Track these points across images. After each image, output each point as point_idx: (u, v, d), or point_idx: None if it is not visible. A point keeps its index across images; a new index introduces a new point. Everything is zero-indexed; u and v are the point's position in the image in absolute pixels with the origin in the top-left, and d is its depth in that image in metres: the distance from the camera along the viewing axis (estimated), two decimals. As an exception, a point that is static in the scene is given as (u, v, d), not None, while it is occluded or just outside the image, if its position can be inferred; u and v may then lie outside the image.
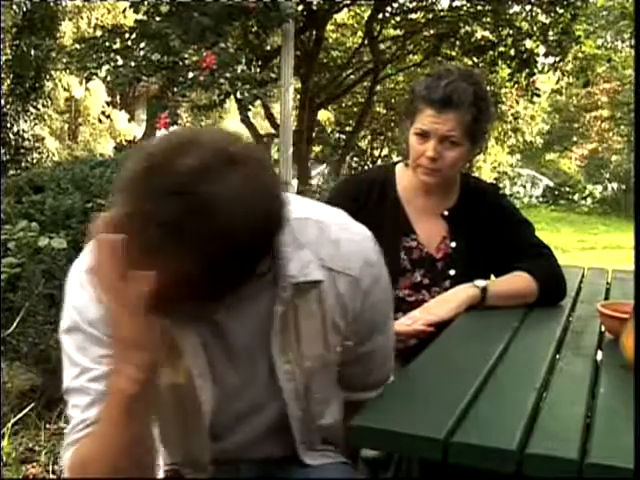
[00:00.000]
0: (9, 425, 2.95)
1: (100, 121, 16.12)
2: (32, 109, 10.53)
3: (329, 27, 11.76)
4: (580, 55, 11.48)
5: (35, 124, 10.64)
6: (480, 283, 2.10)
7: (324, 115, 15.21)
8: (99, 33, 8.47)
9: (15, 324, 3.01)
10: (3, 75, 10.52)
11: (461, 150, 2.13)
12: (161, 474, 1.43)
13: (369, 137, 16.71)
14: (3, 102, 10.38)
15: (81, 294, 1.21)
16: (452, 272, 2.21)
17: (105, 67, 7.31)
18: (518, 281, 2.16)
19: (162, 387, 1.25)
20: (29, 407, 3.09)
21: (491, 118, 2.22)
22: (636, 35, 2.24)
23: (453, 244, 2.24)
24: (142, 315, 1.05)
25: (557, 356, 1.73)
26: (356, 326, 1.36)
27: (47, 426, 3.04)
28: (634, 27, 2.55)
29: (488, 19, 10.15)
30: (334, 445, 1.51)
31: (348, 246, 1.32)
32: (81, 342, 1.21)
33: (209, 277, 1.03)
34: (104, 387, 1.17)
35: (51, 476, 2.65)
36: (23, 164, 10.06)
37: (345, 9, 11.71)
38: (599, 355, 1.75)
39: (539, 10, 10.10)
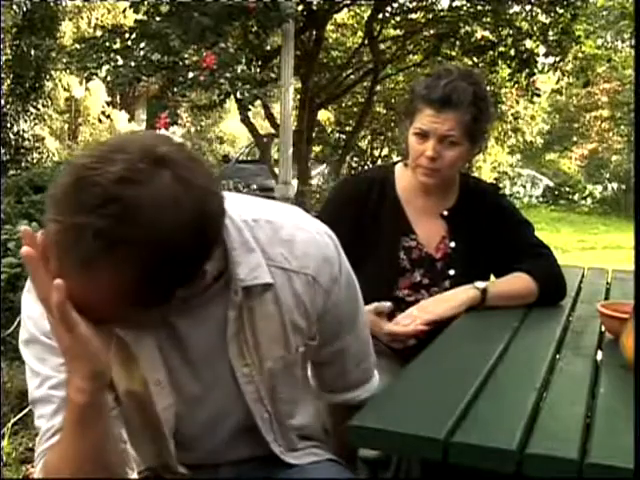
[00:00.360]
0: (9, 425, 2.95)
1: (100, 121, 16.07)
2: (32, 109, 10.53)
3: (329, 27, 11.74)
4: (580, 55, 11.46)
5: (35, 124, 10.64)
6: (480, 284, 2.10)
7: (324, 115, 15.19)
8: (99, 33, 8.46)
9: (15, 324, 3.00)
10: (3, 75, 10.52)
11: (460, 150, 2.13)
12: (135, 475, 1.42)
13: (369, 137, 16.69)
14: (3, 102, 10.38)
15: (34, 307, 1.21)
16: (452, 272, 2.21)
17: (105, 67, 7.31)
18: (518, 282, 2.16)
19: (121, 393, 1.27)
20: (29, 407, 3.08)
21: (491, 118, 2.22)
22: (636, 35, 2.24)
23: (452, 244, 2.24)
24: (75, 326, 1.05)
25: (557, 356, 1.73)
26: (320, 325, 1.35)
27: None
28: (634, 27, 2.55)
29: (488, 19, 10.14)
30: (318, 442, 1.51)
31: (303, 245, 1.30)
32: (40, 353, 1.22)
33: (147, 283, 1.03)
34: (65, 394, 1.17)
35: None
36: (23, 164, 10.05)
37: (345, 9, 11.69)
38: (599, 355, 1.75)
39: (539, 10, 10.09)
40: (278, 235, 1.29)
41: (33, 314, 1.23)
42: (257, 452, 1.43)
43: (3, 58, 10.43)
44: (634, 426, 1.21)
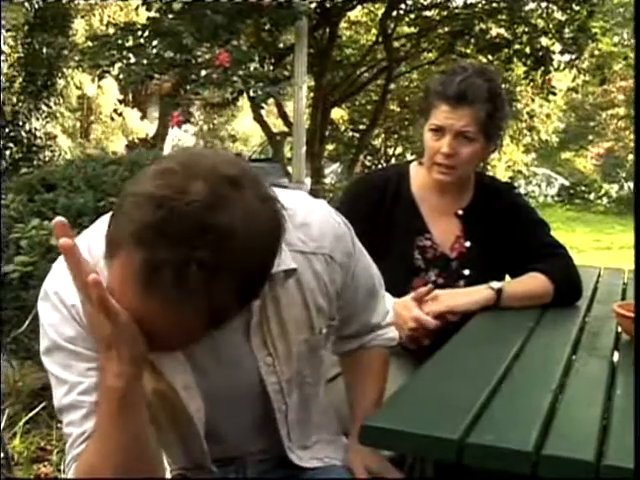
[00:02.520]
0: (21, 424, 2.95)
1: (112, 119, 16.17)
2: (44, 107, 10.57)
3: (343, 24, 11.76)
4: (596, 53, 11.42)
5: (47, 122, 10.68)
6: (495, 285, 2.08)
7: (337, 113, 15.19)
8: (111, 31, 8.50)
9: (27, 323, 3.00)
10: (15, 73, 10.57)
11: (475, 146, 2.11)
12: (168, 475, 1.42)
13: (383, 135, 16.69)
14: (15, 100, 10.43)
15: (53, 314, 1.20)
16: (467, 272, 2.20)
17: (117, 65, 7.34)
18: (533, 282, 2.14)
19: (149, 392, 1.25)
20: (40, 406, 3.09)
21: (506, 115, 2.20)
22: (636, 35, 2.22)
23: (468, 244, 2.22)
24: (116, 314, 1.03)
25: (573, 357, 1.72)
26: (339, 302, 1.40)
27: (58, 425, 3.03)
28: (634, 27, 2.52)
29: (503, 16, 10.12)
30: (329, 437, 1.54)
31: (317, 226, 1.34)
32: (64, 359, 1.20)
33: (238, 305, 1.05)
34: (96, 398, 1.16)
35: (62, 476, 2.64)
36: (35, 162, 10.09)
37: (359, 6, 11.69)
38: (615, 356, 1.73)
39: (555, 7, 10.05)
40: (294, 221, 1.30)
41: (53, 321, 1.21)
42: (271, 449, 1.44)
43: (3, 57, 10.47)
44: (634, 426, 1.19)
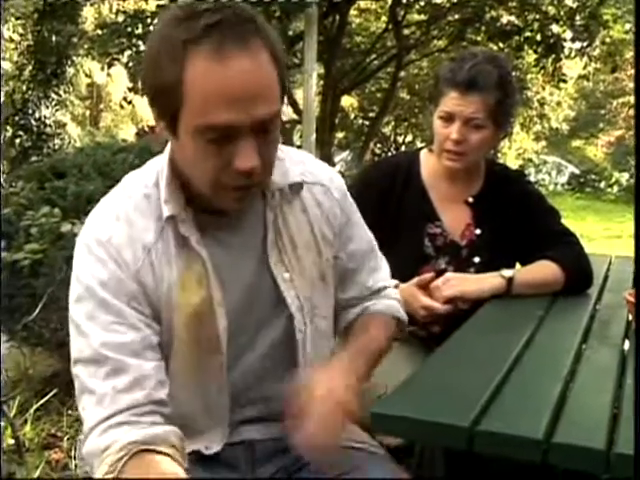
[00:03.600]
0: (32, 411, 2.97)
1: (122, 107, 16.14)
2: (54, 95, 10.57)
3: (353, 12, 11.69)
4: (608, 40, 11.32)
5: (57, 110, 10.68)
6: (506, 273, 2.07)
7: (347, 101, 15.16)
8: (121, 18, 8.48)
9: (37, 310, 3.01)
10: (25, 61, 10.57)
11: (485, 133, 2.10)
12: None
13: (393, 123, 16.65)
14: (25, 88, 10.44)
15: (89, 257, 1.23)
16: (477, 259, 2.19)
17: (127, 52, 7.33)
18: (544, 270, 2.14)
19: (184, 318, 1.26)
20: (51, 393, 3.11)
21: (516, 102, 2.19)
22: (636, 34, 2.21)
23: (478, 231, 2.21)
24: None
25: (583, 345, 1.71)
26: (341, 239, 1.45)
27: (69, 412, 3.05)
28: (634, 26, 2.49)
29: (514, 3, 10.05)
30: None
31: (313, 163, 1.46)
32: (92, 309, 1.21)
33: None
34: (119, 355, 1.18)
35: (74, 462, 2.66)
36: (45, 150, 10.11)
37: (369, -7, 11.64)
38: (626, 344, 1.73)
39: (566, -6, 9.98)
40: (291, 158, 1.40)
41: (87, 263, 1.23)
42: (283, 376, 1.39)
43: (3, 56, 10.48)
44: (634, 426, 1.19)
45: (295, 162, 1.40)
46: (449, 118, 2.10)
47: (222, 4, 1.14)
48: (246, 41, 1.12)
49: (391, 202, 2.18)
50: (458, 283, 2.06)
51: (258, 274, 1.34)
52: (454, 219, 2.21)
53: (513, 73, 2.39)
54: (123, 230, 1.24)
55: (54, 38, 10.09)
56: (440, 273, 2.14)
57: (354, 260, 1.50)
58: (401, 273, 2.05)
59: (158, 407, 1.21)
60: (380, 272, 1.59)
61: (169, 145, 1.29)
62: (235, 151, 1.15)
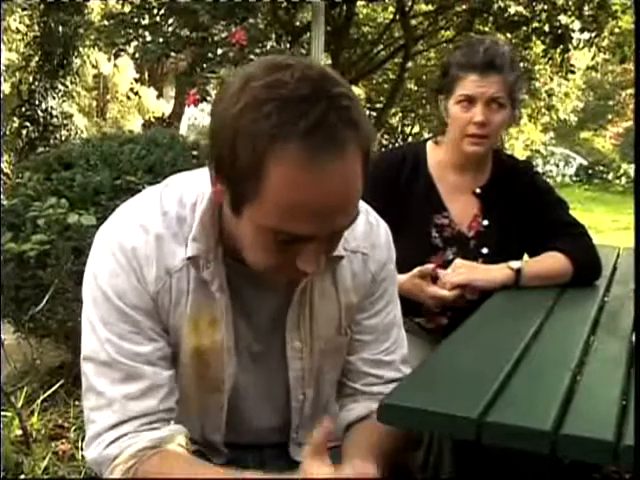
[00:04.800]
0: (39, 402, 2.97)
1: (128, 98, 16.15)
2: (60, 86, 10.54)
3: (360, 2, 11.63)
4: (617, 30, 11.22)
5: (63, 101, 10.66)
6: (515, 264, 2.07)
7: (355, 92, 15.09)
8: (127, 9, 8.47)
9: (44, 301, 3.01)
10: (31, 52, 10.56)
11: (505, 114, 2.13)
12: None
13: (400, 114, 16.58)
14: (31, 79, 10.43)
15: (109, 261, 1.18)
16: (485, 250, 2.18)
17: (133, 43, 7.32)
18: (552, 261, 2.13)
19: (188, 351, 1.25)
20: (58, 384, 3.11)
21: (524, 83, 2.23)
22: (636, 34, 2.20)
23: (486, 222, 2.20)
24: None
25: (592, 337, 1.71)
26: (366, 309, 1.37)
27: (76, 403, 3.06)
28: (634, 25, 2.48)
29: (522, -7, 9.99)
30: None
31: (362, 227, 1.33)
32: (107, 313, 1.18)
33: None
34: (133, 363, 1.17)
35: (80, 452, 2.67)
36: (52, 141, 10.10)
37: (376, -16, 11.59)
38: (635, 336, 1.71)
39: (574, -16, 9.90)
40: None
41: (106, 268, 1.18)
42: (281, 437, 1.42)
43: (3, 56, 10.47)
44: (634, 425, 1.17)
45: None
46: (469, 101, 2.10)
47: (318, 85, 0.99)
48: (343, 149, 0.99)
49: (398, 193, 2.17)
50: (467, 271, 2.05)
51: (272, 333, 1.31)
52: (462, 210, 2.20)
53: (521, 64, 2.43)
54: (150, 246, 1.18)
55: (60, 29, 10.06)
56: (447, 264, 2.14)
57: (374, 333, 1.40)
58: (409, 264, 2.05)
59: (168, 414, 1.21)
60: (397, 352, 1.44)
61: None
62: (301, 252, 1.07)
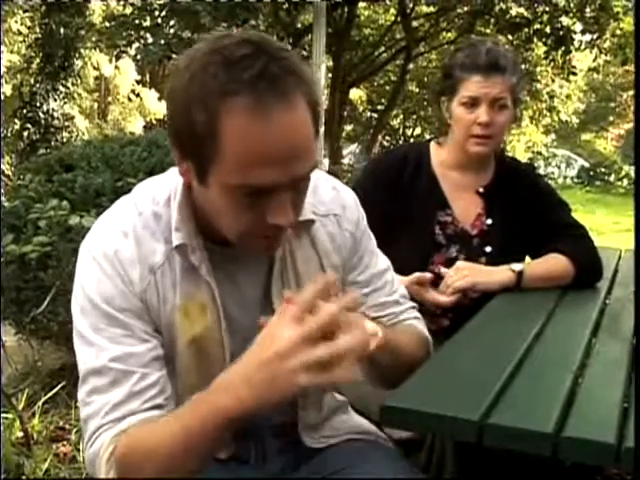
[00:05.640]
0: (40, 403, 2.97)
1: (130, 99, 16.18)
2: (62, 88, 10.57)
3: (361, 4, 11.67)
4: (618, 32, 11.24)
5: (65, 103, 10.68)
6: (516, 267, 2.07)
7: (356, 94, 15.14)
8: (129, 11, 8.49)
9: (46, 303, 3.02)
10: (32, 54, 10.58)
11: (508, 114, 2.13)
12: None
13: (401, 116, 16.62)
14: (33, 81, 10.45)
15: (94, 270, 1.20)
16: (488, 249, 2.18)
17: (135, 45, 7.34)
18: (554, 263, 2.13)
19: (184, 343, 1.25)
20: (59, 386, 3.11)
21: (525, 85, 2.24)
22: (636, 36, 2.20)
23: (489, 221, 2.20)
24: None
25: (593, 339, 1.70)
26: (355, 266, 1.42)
27: (77, 405, 3.06)
28: (634, 26, 2.49)
29: (523, -5, 10.00)
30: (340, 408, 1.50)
31: (324, 189, 1.39)
32: (96, 321, 1.19)
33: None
34: (124, 366, 1.17)
35: (81, 454, 2.67)
36: (53, 143, 10.12)
37: (378, -14, 11.60)
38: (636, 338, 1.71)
39: (576, -14, 9.92)
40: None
41: (92, 277, 1.20)
42: (285, 417, 1.41)
43: (3, 56, 10.48)
44: (635, 425, 1.17)
45: (308, 192, 1.30)
46: (473, 103, 2.10)
47: (257, 45, 1.07)
48: (287, 94, 1.05)
49: (400, 191, 2.17)
50: (470, 274, 2.05)
51: (262, 306, 1.32)
52: (465, 208, 2.21)
53: (523, 66, 2.44)
54: (131, 247, 1.20)
55: (62, 31, 10.07)
56: (451, 261, 2.14)
57: (373, 283, 1.45)
58: (412, 261, 2.05)
59: (158, 411, 1.19)
60: (397, 291, 1.51)
61: None
62: (269, 206, 1.11)
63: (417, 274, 2.05)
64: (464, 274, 2.05)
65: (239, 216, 1.13)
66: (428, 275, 2.06)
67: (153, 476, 1.12)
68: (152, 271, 1.21)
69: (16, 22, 12.01)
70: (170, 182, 1.26)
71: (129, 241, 1.21)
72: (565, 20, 10.02)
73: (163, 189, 1.26)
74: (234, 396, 1.04)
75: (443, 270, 2.09)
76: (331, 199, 1.38)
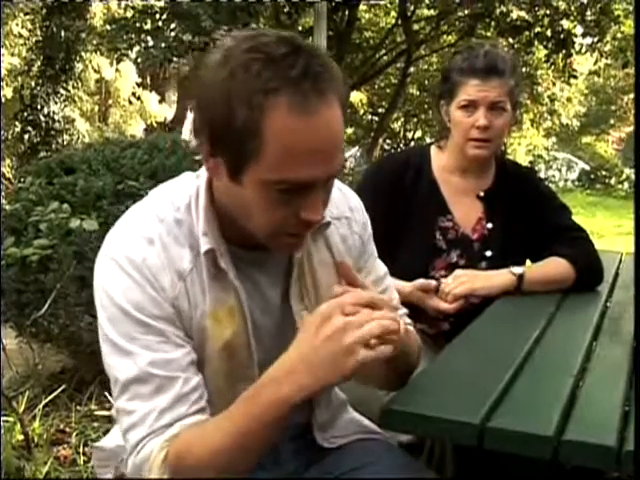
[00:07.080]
0: (40, 407, 2.96)
1: (130, 102, 16.18)
2: (62, 91, 10.56)
3: (362, 7, 11.68)
4: (619, 35, 11.24)
5: (65, 106, 10.68)
6: (517, 270, 2.07)
7: (357, 96, 15.15)
8: (129, 14, 8.50)
9: (46, 306, 3.01)
10: (33, 56, 10.58)
11: (507, 117, 2.14)
12: None
13: (402, 119, 16.62)
14: (33, 84, 10.46)
15: (121, 278, 1.19)
16: (489, 253, 2.18)
17: (136, 48, 7.35)
18: (555, 266, 2.13)
19: (217, 348, 1.25)
20: (60, 389, 3.11)
21: (523, 87, 2.25)
22: (636, 37, 2.20)
23: (489, 225, 2.20)
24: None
25: (594, 342, 1.70)
26: (362, 270, 1.42)
27: (78, 408, 3.06)
28: (634, 29, 2.47)
29: (524, -2, 10.01)
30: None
31: (335, 192, 1.36)
32: (130, 330, 1.18)
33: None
34: (167, 372, 1.17)
35: (82, 458, 2.66)
36: (54, 146, 10.12)
37: (378, -11, 11.62)
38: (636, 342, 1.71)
39: (577, -11, 9.92)
40: None
41: (120, 285, 1.19)
42: (300, 419, 1.41)
43: (4, 59, 10.49)
44: (635, 425, 1.18)
45: None
46: (472, 106, 2.11)
47: (294, 43, 1.09)
48: (326, 92, 1.08)
49: (401, 196, 2.17)
50: (468, 280, 2.05)
51: (281, 308, 1.33)
52: (465, 213, 2.21)
53: (523, 69, 2.44)
54: (158, 254, 1.20)
55: (63, 34, 10.08)
56: (452, 266, 2.14)
57: (376, 287, 1.44)
58: (413, 266, 2.05)
59: (203, 413, 1.20)
60: (394, 295, 1.53)
61: (204, 170, 1.24)
62: (304, 202, 1.13)
63: (421, 280, 2.06)
64: (462, 281, 2.05)
65: (272, 212, 1.13)
66: (433, 283, 2.06)
67: (212, 477, 1.13)
68: (182, 278, 1.21)
69: (17, 25, 12.02)
70: (188, 187, 1.26)
71: (156, 248, 1.20)
72: (566, 23, 10.02)
73: (182, 194, 1.26)
74: (294, 383, 1.07)
75: (443, 281, 2.08)
76: (340, 201, 1.39)
